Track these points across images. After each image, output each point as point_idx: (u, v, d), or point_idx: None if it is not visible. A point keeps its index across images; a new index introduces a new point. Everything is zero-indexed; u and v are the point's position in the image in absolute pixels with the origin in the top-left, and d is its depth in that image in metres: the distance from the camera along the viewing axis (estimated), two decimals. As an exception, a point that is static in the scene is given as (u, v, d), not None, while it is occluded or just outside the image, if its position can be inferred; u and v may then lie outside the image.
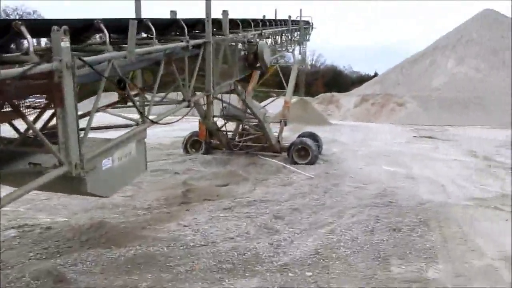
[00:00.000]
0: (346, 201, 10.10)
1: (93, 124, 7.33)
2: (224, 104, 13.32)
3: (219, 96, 11.60)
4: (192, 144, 15.85)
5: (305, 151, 14.72)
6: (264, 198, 10.19)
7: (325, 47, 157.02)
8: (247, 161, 14.55)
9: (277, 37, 16.86)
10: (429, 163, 15.71)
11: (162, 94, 8.18)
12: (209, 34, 8.33)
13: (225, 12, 9.72)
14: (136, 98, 7.10)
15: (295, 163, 14.53)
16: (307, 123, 28.85)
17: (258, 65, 11.22)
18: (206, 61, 8.33)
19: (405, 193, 11.03)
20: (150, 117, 6.64)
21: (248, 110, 13.72)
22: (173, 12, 9.54)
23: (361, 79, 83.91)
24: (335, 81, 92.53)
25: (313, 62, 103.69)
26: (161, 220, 8.35)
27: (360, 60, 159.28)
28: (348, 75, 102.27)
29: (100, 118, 6.62)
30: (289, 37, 19.28)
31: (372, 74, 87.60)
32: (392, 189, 11.43)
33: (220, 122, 14.89)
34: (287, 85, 17.97)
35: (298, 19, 23.87)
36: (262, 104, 20.94)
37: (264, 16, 16.26)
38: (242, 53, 11.04)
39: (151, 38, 6.94)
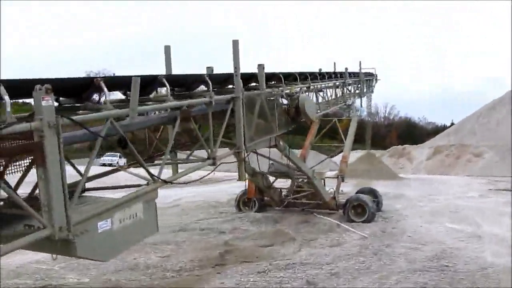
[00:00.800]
0: (394, 264, 9.15)
1: (109, 183, 7.26)
2: (271, 161, 12.88)
3: (260, 151, 11.16)
4: (244, 202, 15.41)
5: (361, 208, 13.82)
6: (305, 261, 9.46)
7: (399, 98, 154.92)
8: (299, 219, 13.87)
9: (331, 90, 16.41)
10: (501, 220, 14.25)
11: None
12: (238, 89, 8.04)
13: (260, 66, 9.47)
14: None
15: (352, 221, 13.66)
16: (373, 178, 27.76)
17: (301, 119, 10.78)
18: (236, 116, 8.01)
19: (465, 254, 9.90)
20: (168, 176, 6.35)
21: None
22: (210, 69, 9.43)
23: (437, 130, 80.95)
24: (410, 133, 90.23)
25: (386, 115, 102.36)
26: (185, 284, 7.86)
27: (436, 110, 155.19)
28: (423, 127, 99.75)
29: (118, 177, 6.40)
30: (346, 90, 18.73)
31: (449, 124, 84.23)
32: (452, 250, 10.31)
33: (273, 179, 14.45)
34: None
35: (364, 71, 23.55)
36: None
37: (320, 69, 16.00)
38: (284, 107, 10.67)
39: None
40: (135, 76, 5.45)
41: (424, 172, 39.06)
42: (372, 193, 15.71)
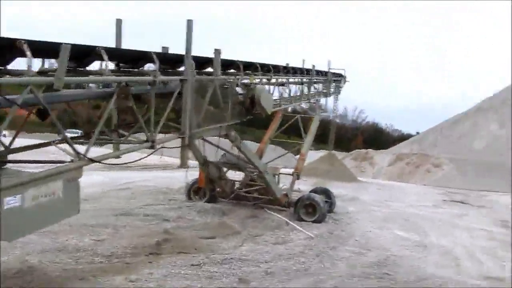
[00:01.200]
0: (335, 268, 8.93)
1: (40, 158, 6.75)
2: (224, 152, 12.51)
3: (213, 141, 10.78)
4: (196, 191, 14.97)
5: (313, 208, 13.57)
6: (244, 257, 9.15)
7: (368, 104, 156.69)
8: (249, 213, 13.53)
9: (296, 86, 16.13)
10: (450, 231, 14.28)
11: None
12: (188, 71, 7.63)
13: (217, 51, 9.07)
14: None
15: (302, 220, 13.40)
16: (333, 179, 27.71)
17: (256, 111, 10.43)
18: (183, 100, 7.61)
19: (408, 263, 9.77)
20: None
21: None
22: (165, 48, 8.97)
23: (403, 138, 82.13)
24: (376, 138, 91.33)
25: (354, 118, 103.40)
26: (111, 271, 7.43)
27: (403, 119, 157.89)
28: (390, 134, 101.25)
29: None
30: (312, 88, 18.47)
31: (414, 133, 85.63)
32: (395, 258, 10.17)
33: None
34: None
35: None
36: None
37: (287, 64, 15.68)
38: (240, 97, 10.32)
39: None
40: (65, 43, 4.99)
41: (384, 178, 39.38)
42: (326, 193, 15.51)
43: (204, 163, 12.58)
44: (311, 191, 15.63)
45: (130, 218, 11.92)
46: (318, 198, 13.84)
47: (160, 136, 7.35)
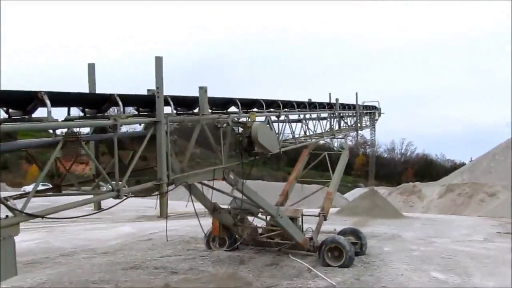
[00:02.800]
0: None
1: None
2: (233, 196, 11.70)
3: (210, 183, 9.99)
4: (214, 239, 14.15)
5: (338, 251, 12.46)
6: (247, 314, 8.20)
7: (416, 134, 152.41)
8: (269, 261, 12.59)
9: (315, 122, 15.28)
10: (499, 270, 12.75)
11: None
12: (159, 112, 7.00)
13: (202, 89, 8.49)
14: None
15: (327, 265, 12.31)
16: (375, 216, 26.37)
17: (256, 150, 9.63)
18: (157, 143, 6.95)
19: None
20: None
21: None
22: (150, 91, 8.46)
23: (455, 168, 78.78)
24: (427, 170, 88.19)
25: (402, 151, 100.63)
26: None
27: (455, 147, 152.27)
28: (441, 164, 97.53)
29: None
30: (338, 122, 17.55)
31: (468, 161, 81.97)
32: (425, 307, 8.92)
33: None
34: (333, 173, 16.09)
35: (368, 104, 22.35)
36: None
37: (309, 99, 14.96)
38: (238, 136, 9.58)
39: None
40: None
41: (435, 211, 37.31)
42: (355, 234, 14.32)
43: (214, 210, 11.81)
44: (339, 233, 14.51)
45: (137, 272, 11.26)
46: (344, 240, 12.72)
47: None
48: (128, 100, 7.25)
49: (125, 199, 6.36)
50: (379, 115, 25.86)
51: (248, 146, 9.38)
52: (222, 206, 12.43)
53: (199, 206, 11.61)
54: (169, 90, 7.40)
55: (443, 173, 74.62)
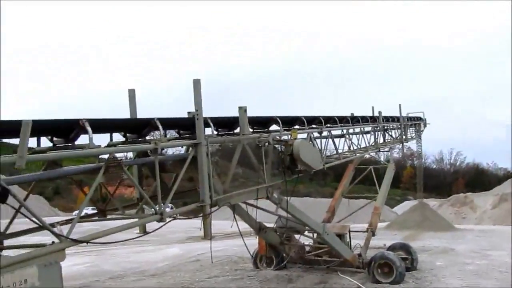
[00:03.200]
0: None
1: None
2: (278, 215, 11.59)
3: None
4: (262, 258, 14.04)
5: (388, 268, 12.14)
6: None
7: (466, 143, 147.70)
8: (318, 279, 12.40)
9: (359, 136, 15.09)
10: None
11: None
12: (200, 134, 7.05)
13: (241, 109, 8.49)
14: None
15: (377, 281, 12.02)
16: (426, 230, 25.56)
17: (299, 168, 9.56)
18: (198, 165, 7.00)
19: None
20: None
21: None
22: (191, 113, 8.59)
23: (509, 176, 75.68)
24: (479, 180, 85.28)
25: (452, 161, 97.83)
26: None
27: (506, 154, 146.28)
28: (494, 173, 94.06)
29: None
30: (383, 135, 17.24)
31: (523, 169, 78.83)
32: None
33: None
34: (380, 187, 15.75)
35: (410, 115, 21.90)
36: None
37: (352, 113, 14.81)
38: (280, 155, 9.55)
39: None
40: (26, 120, 4.59)
41: (489, 222, 35.88)
42: (405, 249, 13.91)
43: (260, 229, 11.76)
44: (388, 248, 14.15)
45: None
46: (393, 256, 12.39)
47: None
48: (169, 123, 7.35)
49: (169, 222, 6.39)
50: (425, 126, 25.26)
51: (291, 163, 9.34)
52: (268, 225, 12.39)
53: (246, 226, 11.62)
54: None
55: (495, 183, 71.79)
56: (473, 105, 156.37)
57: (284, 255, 13.25)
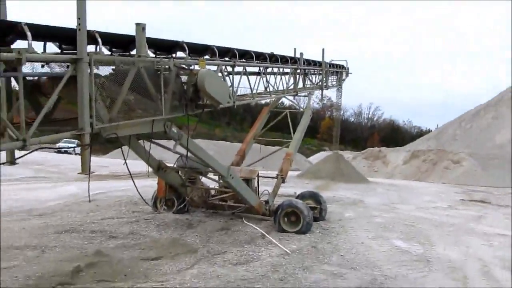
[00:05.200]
0: (295, 300, 6.80)
1: None
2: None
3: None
4: (162, 200, 12.89)
5: (296, 216, 11.45)
6: (184, 285, 7.12)
7: (387, 100, 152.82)
8: (220, 225, 11.48)
9: (277, 77, 13.97)
10: (463, 239, 12.04)
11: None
12: (81, 49, 5.65)
13: (138, 26, 7.07)
14: None
15: (283, 230, 11.31)
16: (339, 181, 25.58)
17: (203, 101, 8.37)
18: (78, 86, 5.64)
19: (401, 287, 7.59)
20: None
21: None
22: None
23: (421, 135, 79.10)
24: (393, 136, 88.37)
25: (369, 116, 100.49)
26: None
27: (426, 115, 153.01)
28: (408, 130, 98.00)
29: None
30: (301, 78, 16.27)
31: (434, 129, 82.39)
32: (386, 279, 8.01)
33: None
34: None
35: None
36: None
37: (272, 52, 13.62)
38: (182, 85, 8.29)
39: None
40: None
41: (400, 177, 36.92)
42: (314, 198, 13.33)
43: (159, 169, 10.56)
44: (297, 196, 13.52)
45: (71, 236, 10.01)
46: (302, 204, 11.69)
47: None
48: (44, 32, 5.91)
49: (34, 151, 5.12)
50: (347, 75, 24.86)
51: (194, 96, 8.11)
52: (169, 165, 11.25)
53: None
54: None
55: (409, 140, 74.66)
56: (400, 65, 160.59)
57: (186, 198, 12.21)
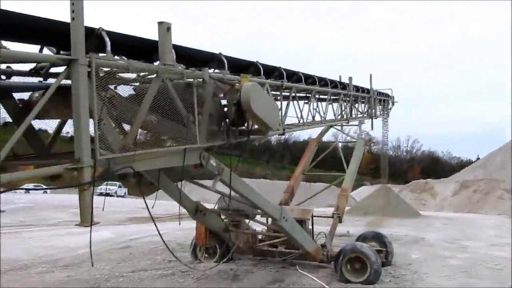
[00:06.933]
0: None
1: None
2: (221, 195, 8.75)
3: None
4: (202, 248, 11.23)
5: (361, 263, 9.59)
6: None
7: (421, 133, 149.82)
8: (271, 276, 9.78)
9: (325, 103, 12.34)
10: None
11: None
12: (77, 47, 4.14)
13: (161, 25, 5.51)
14: None
15: (347, 280, 9.47)
16: (391, 216, 23.62)
17: (248, 124, 6.76)
18: (73, 99, 4.10)
19: None
20: None
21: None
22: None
23: (462, 166, 76.09)
24: (434, 168, 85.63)
25: (408, 148, 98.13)
26: None
27: (461, 146, 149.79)
28: (448, 162, 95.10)
29: None
30: (350, 107, 14.57)
31: (474, 159, 79.27)
32: None
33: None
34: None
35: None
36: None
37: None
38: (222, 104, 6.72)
39: None
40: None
41: (450, 209, 34.52)
42: (378, 239, 11.44)
43: (196, 212, 8.91)
44: (358, 238, 11.66)
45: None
46: (367, 249, 9.82)
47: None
48: (34, 27, 4.46)
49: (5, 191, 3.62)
50: (393, 104, 23.18)
51: (237, 118, 6.49)
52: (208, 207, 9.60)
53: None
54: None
55: (450, 171, 71.76)
56: (429, 100, 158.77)
57: (230, 244, 10.48)
